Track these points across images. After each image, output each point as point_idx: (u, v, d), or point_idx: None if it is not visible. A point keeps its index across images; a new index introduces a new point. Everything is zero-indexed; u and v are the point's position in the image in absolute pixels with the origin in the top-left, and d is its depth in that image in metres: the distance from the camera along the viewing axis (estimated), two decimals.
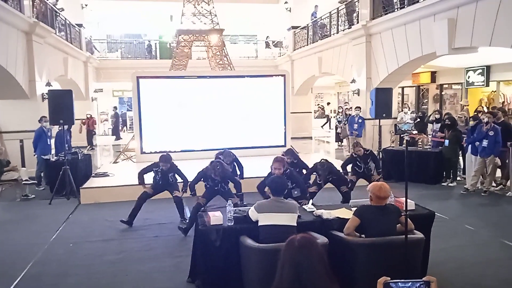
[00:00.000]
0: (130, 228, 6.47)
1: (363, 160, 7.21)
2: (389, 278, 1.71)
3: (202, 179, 6.20)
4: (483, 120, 8.18)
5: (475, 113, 11.02)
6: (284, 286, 1.79)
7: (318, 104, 27.28)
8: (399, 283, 1.70)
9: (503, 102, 13.64)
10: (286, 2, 19.52)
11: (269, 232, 3.75)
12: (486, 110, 12.67)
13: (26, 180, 8.71)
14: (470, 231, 6.14)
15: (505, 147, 8.21)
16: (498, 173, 8.83)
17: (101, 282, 4.66)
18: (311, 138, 19.36)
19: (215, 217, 4.15)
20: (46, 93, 9.83)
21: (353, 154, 7.35)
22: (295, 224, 3.88)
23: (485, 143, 8.02)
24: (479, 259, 5.07)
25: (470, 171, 8.50)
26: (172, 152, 7.33)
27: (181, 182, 6.63)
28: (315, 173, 6.72)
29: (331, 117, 24.89)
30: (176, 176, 6.70)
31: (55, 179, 8.36)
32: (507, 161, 8.39)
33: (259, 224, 3.86)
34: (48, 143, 9.39)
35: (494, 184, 8.71)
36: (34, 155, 9.46)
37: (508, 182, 8.45)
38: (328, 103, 27.34)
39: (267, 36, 22.85)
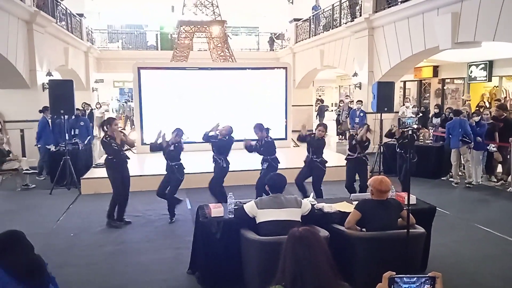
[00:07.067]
0: (130, 219, 6.46)
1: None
2: (394, 273, 1.69)
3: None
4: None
5: (477, 109, 10.97)
6: (286, 279, 1.77)
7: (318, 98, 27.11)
8: (404, 278, 1.68)
9: (505, 97, 13.56)
10: None
11: (270, 228, 3.64)
12: (488, 105, 12.63)
13: (26, 170, 8.70)
14: (470, 225, 6.14)
15: (507, 143, 8.21)
16: (499, 168, 8.83)
17: (100, 273, 4.67)
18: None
19: (216, 209, 4.15)
20: (47, 83, 9.79)
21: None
22: (299, 219, 3.71)
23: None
24: (476, 254, 5.08)
25: (470, 165, 8.51)
26: None
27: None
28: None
29: (331, 110, 24.72)
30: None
31: (56, 169, 8.36)
32: (508, 157, 8.38)
33: (258, 221, 3.76)
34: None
35: (495, 179, 8.72)
36: (36, 145, 9.44)
37: (509, 178, 8.45)
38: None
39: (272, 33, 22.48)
